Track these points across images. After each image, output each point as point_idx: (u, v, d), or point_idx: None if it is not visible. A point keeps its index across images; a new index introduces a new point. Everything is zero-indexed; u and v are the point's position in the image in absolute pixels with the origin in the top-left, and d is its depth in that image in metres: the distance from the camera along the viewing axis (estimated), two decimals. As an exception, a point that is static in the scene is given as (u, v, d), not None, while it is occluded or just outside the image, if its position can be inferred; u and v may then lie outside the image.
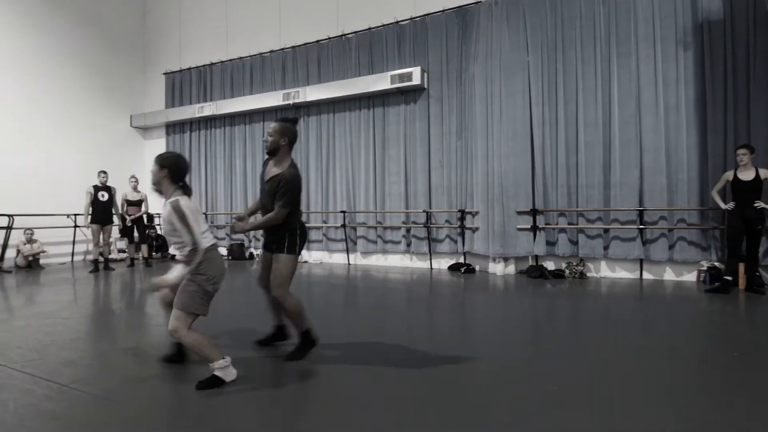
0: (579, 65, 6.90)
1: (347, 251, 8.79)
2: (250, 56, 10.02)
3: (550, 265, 6.97)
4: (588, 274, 6.77)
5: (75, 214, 9.09)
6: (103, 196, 8.11)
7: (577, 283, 6.31)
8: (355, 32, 8.77)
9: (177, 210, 2.59)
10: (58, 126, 9.79)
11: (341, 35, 8.91)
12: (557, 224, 6.98)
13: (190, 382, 2.66)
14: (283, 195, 2.97)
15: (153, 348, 3.39)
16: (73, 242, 9.58)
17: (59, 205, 9.24)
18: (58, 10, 9.88)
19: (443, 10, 7.89)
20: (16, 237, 8.46)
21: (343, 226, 8.68)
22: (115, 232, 8.99)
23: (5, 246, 8.35)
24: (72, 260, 9.58)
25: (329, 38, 9.05)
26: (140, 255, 9.38)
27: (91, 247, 8.44)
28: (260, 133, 9.94)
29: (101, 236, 8.13)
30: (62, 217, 9.18)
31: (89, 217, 8.07)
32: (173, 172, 2.75)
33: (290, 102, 9.13)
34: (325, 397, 2.52)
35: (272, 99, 9.40)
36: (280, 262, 3.07)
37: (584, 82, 6.87)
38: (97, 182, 8.14)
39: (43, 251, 8.66)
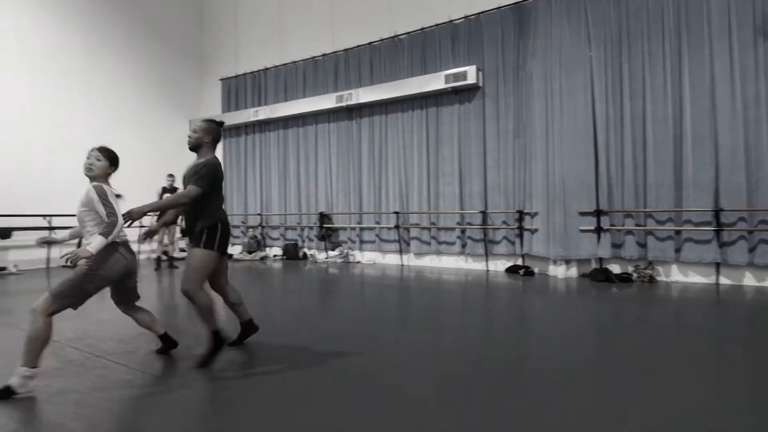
0: (646, 59, 6.59)
1: (400, 252, 8.79)
2: (303, 60, 10.22)
3: (615, 269, 6.68)
4: (657, 278, 6.44)
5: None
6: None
7: (646, 287, 6.01)
8: (408, 33, 8.77)
9: (100, 190, 2.78)
10: (127, 131, 10.33)
11: (393, 36, 8.94)
12: (623, 225, 6.69)
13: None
14: (201, 176, 2.96)
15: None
16: (159, 241, 10.09)
17: (129, 204, 9.72)
18: (127, 24, 10.49)
19: (498, 8, 7.75)
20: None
21: (396, 227, 8.68)
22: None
23: (79, 244, 8.89)
24: (137, 258, 10.07)
25: (381, 40, 9.09)
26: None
27: (155, 246, 8.87)
28: (313, 135, 10.13)
29: (165, 236, 8.53)
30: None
31: (157, 216, 8.50)
32: (115, 169, 3.06)
33: (343, 104, 9.24)
34: (368, 401, 2.51)
35: (326, 102, 9.55)
36: (193, 257, 3.00)
37: (652, 76, 6.55)
38: (165, 184, 8.55)
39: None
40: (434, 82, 8.17)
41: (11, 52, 8.63)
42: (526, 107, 7.49)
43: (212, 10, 12.18)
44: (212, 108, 11.91)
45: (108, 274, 2.78)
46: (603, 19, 6.88)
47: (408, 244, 8.75)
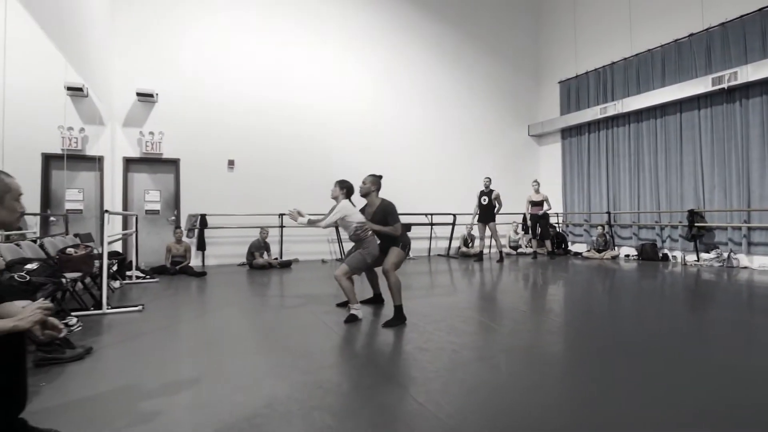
0: None
1: (819, 257, 7.07)
2: (661, 46, 9.47)
3: None
4: None
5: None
6: (485, 200, 9.36)
7: None
8: (828, -17, 7.00)
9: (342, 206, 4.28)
10: (473, 137, 11.94)
11: (802, -7, 7.29)
12: None
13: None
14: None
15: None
16: (481, 238, 11.39)
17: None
18: (473, 44, 12.07)
19: None
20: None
21: (813, 226, 7.03)
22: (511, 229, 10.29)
23: (451, 238, 10.74)
24: (482, 251, 11.39)
25: (781, 1, 7.56)
26: (544, 250, 10.30)
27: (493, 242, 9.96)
28: (675, 125, 9.29)
29: (486, 233, 9.53)
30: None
31: (476, 216, 9.54)
32: (348, 192, 4.41)
33: (724, 86, 8.10)
34: None
35: (695, 87, 8.60)
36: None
37: None
38: (482, 187, 9.46)
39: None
40: None
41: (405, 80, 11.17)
42: None
43: (550, 19, 12.68)
44: (550, 111, 12.39)
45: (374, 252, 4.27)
46: None
47: (832, 248, 6.96)
